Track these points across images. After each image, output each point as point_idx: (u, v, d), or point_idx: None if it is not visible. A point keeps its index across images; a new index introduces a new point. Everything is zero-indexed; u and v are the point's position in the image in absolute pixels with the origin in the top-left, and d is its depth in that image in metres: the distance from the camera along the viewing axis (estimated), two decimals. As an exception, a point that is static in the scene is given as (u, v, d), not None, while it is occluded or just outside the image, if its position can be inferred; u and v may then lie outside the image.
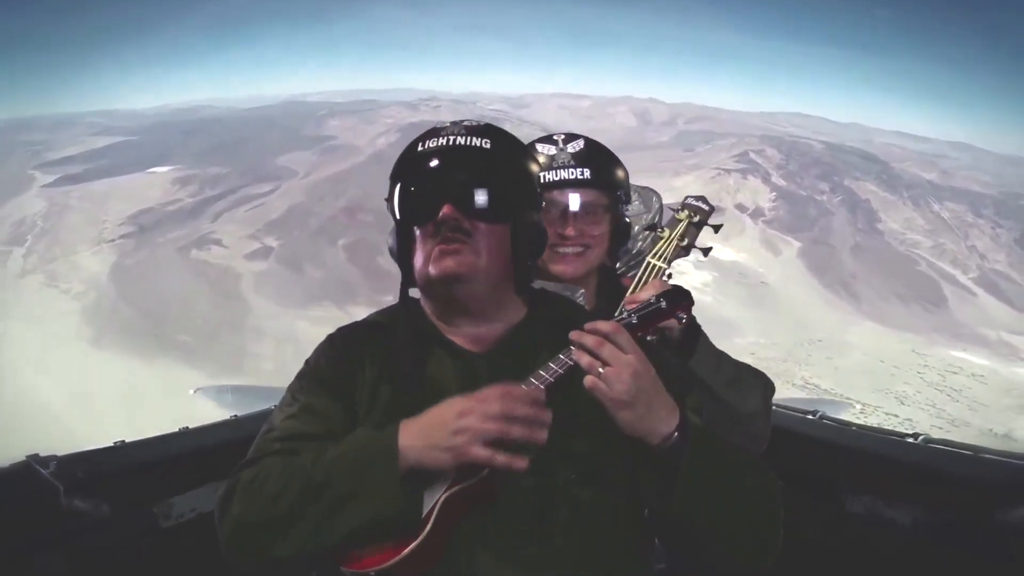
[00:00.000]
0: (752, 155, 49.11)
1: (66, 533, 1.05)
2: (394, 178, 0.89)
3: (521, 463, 0.70)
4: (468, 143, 0.84)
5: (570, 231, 1.14)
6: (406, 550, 0.70)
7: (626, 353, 0.72)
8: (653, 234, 1.15)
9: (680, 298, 0.81)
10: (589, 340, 0.72)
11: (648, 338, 0.91)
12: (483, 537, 0.75)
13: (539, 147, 1.20)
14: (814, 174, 46.38)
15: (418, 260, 0.86)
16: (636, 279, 1.12)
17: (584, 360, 0.72)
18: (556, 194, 1.14)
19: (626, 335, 0.73)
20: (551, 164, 1.16)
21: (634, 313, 0.78)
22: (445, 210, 0.81)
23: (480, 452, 0.70)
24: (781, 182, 44.29)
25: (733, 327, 26.03)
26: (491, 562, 0.74)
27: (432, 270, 0.83)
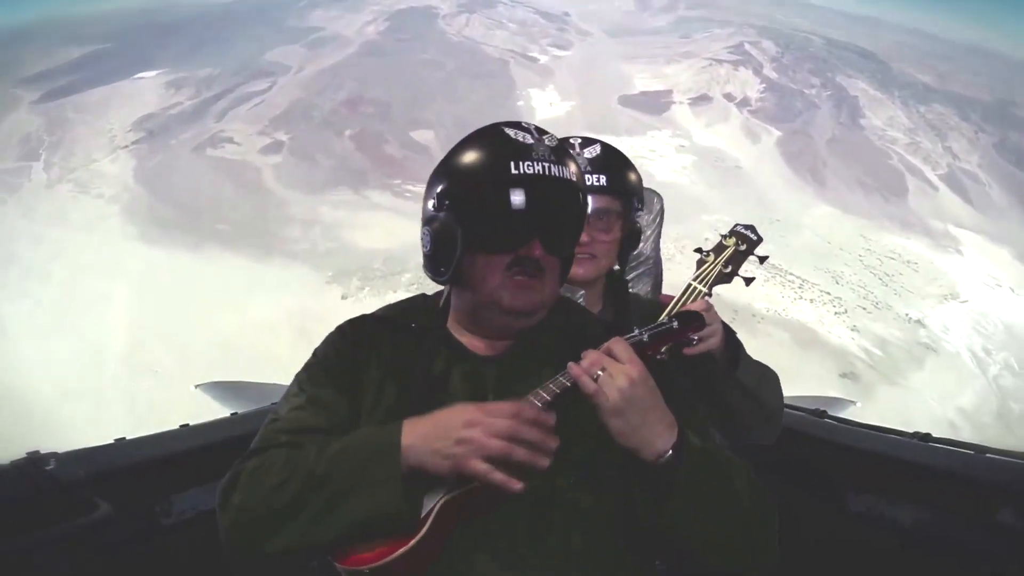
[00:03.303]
0: (747, 46, 47.82)
1: (66, 531, 1.03)
2: (467, 184, 0.83)
3: (516, 485, 0.70)
4: (560, 175, 0.82)
5: (584, 237, 1.12)
6: (401, 549, 0.71)
7: (622, 362, 0.72)
8: (699, 256, 1.14)
9: (692, 320, 0.82)
10: (592, 353, 0.73)
11: (658, 357, 0.92)
12: (481, 539, 0.75)
13: None
14: (807, 68, 45.55)
15: (486, 282, 0.84)
16: (675, 301, 1.12)
17: (585, 363, 0.72)
18: None
19: (624, 345, 0.74)
20: None
21: (645, 331, 0.79)
22: (536, 250, 0.81)
23: (478, 466, 0.70)
24: (772, 74, 43.65)
25: (702, 205, 27.33)
26: (489, 564, 0.74)
27: (508, 302, 0.83)
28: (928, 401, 18.14)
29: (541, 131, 0.86)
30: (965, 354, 21.12)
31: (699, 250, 1.14)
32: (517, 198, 0.80)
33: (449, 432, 0.71)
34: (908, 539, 1.19)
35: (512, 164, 0.81)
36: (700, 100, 39.65)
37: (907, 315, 22.85)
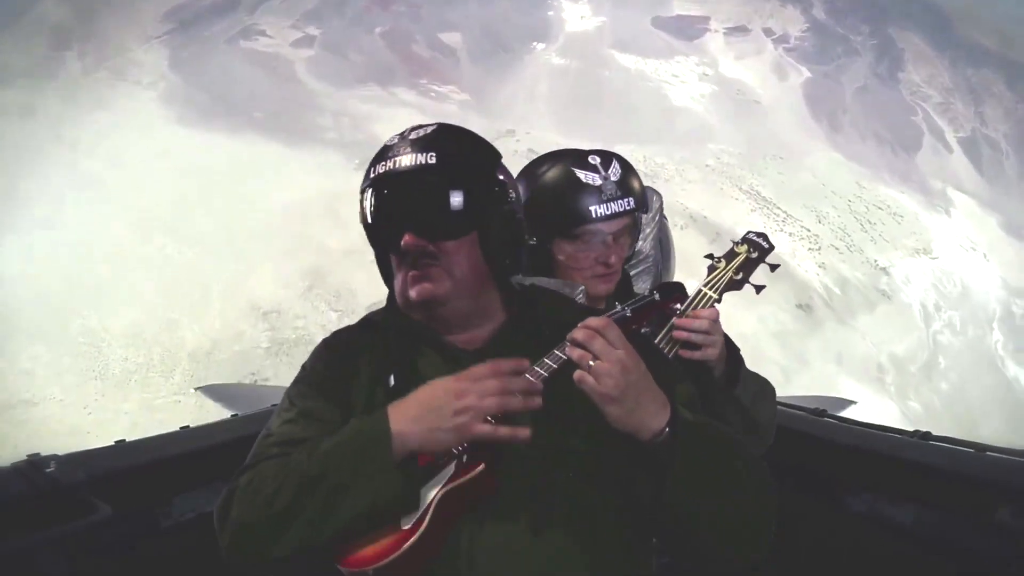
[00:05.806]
0: (804, -17, 45.71)
1: (66, 533, 1.01)
2: (361, 200, 0.89)
3: (524, 432, 0.72)
4: (413, 163, 0.83)
5: (613, 259, 1.16)
6: (403, 547, 0.70)
7: (616, 348, 0.72)
8: (710, 263, 1.12)
9: (673, 290, 0.82)
10: (580, 334, 0.73)
11: (643, 330, 0.89)
12: (481, 534, 0.75)
13: (580, 175, 1.16)
14: (860, 16, 43.41)
15: (396, 283, 0.89)
16: (685, 306, 1.12)
17: (575, 354, 0.72)
18: (603, 226, 1.15)
19: (616, 330, 0.73)
20: (600, 197, 1.15)
21: (628, 306, 0.80)
22: (406, 239, 0.82)
23: (483, 428, 0.71)
24: (821, 15, 41.72)
25: (710, 133, 28.03)
26: (489, 559, 0.74)
27: (410, 295, 0.85)
28: (867, 343, 19.54)
29: (421, 127, 0.88)
30: (916, 307, 22.25)
31: (710, 256, 1.12)
32: (375, 198, 0.86)
33: (442, 408, 0.72)
34: (908, 538, 1.19)
35: (372, 170, 0.87)
36: (736, 31, 38.28)
37: (875, 261, 23.66)
